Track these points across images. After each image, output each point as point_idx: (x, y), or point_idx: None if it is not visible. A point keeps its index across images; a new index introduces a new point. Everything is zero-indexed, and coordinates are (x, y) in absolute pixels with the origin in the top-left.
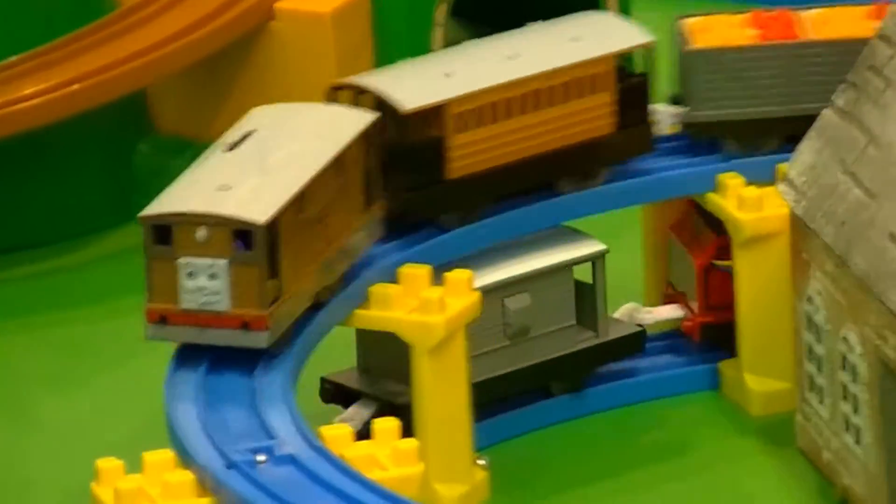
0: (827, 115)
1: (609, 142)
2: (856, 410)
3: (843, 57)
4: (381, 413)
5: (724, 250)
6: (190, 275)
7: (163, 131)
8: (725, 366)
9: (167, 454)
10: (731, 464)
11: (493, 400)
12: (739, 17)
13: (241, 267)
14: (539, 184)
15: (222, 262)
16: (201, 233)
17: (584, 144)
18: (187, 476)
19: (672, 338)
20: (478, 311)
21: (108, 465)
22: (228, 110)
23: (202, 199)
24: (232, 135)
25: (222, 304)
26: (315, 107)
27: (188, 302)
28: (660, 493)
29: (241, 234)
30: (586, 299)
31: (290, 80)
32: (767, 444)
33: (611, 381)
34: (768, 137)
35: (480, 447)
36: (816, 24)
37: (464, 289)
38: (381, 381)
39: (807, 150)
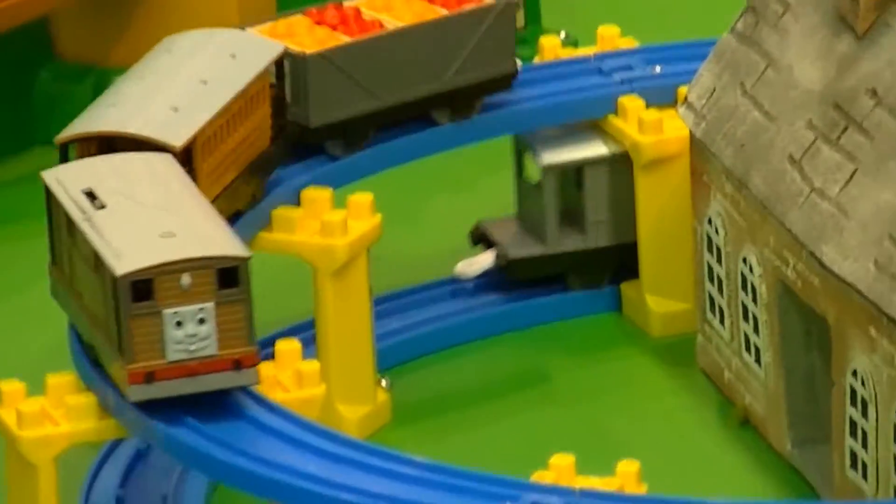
0: (726, 39)
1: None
2: (756, 331)
3: (431, 36)
4: (498, 265)
5: None
6: (178, 324)
7: (64, 58)
8: (627, 287)
9: (70, 377)
10: (632, 384)
11: None
12: (297, 18)
13: (227, 307)
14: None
15: (210, 306)
16: (186, 280)
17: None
18: (90, 398)
19: None
20: (379, 235)
21: (10, 387)
22: (130, 36)
23: (174, 241)
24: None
25: (212, 347)
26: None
27: (176, 353)
28: (560, 413)
29: (225, 272)
30: None
31: (192, 4)
32: (668, 364)
33: (514, 303)
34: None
35: (383, 368)
36: (380, 12)
37: (366, 212)
38: (519, 234)
39: (707, 73)
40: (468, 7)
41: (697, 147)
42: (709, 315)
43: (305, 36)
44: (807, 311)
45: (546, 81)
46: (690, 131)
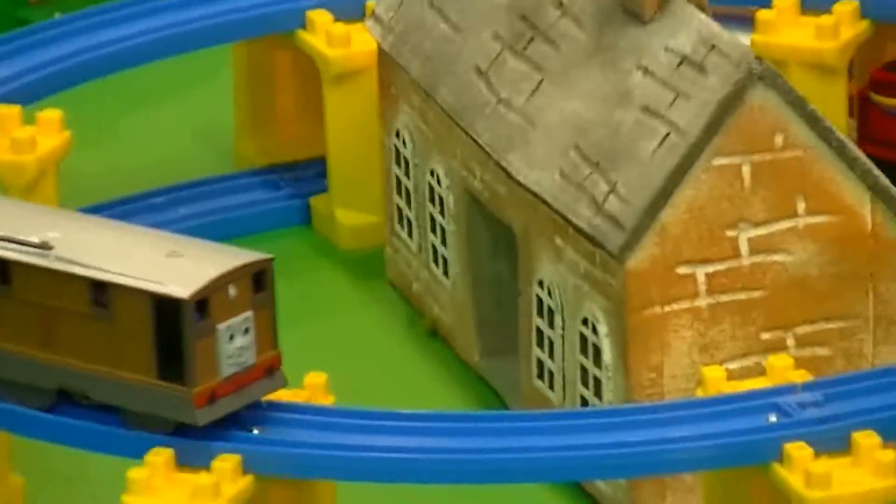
0: None
1: None
2: (444, 242)
3: None
4: None
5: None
6: (231, 338)
7: None
8: (316, 201)
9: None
10: (321, 297)
11: None
12: None
13: (261, 312)
14: None
15: (250, 314)
16: (233, 291)
17: None
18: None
19: (263, 174)
20: (69, 150)
21: None
22: None
23: (196, 258)
24: None
25: (251, 356)
26: None
27: (229, 368)
28: None
29: (257, 276)
30: None
31: None
32: (357, 277)
33: (202, 218)
34: None
35: None
36: None
37: (55, 128)
38: None
39: None
40: None
41: (385, 60)
42: (397, 227)
43: None
44: (494, 222)
45: None
46: (378, 44)
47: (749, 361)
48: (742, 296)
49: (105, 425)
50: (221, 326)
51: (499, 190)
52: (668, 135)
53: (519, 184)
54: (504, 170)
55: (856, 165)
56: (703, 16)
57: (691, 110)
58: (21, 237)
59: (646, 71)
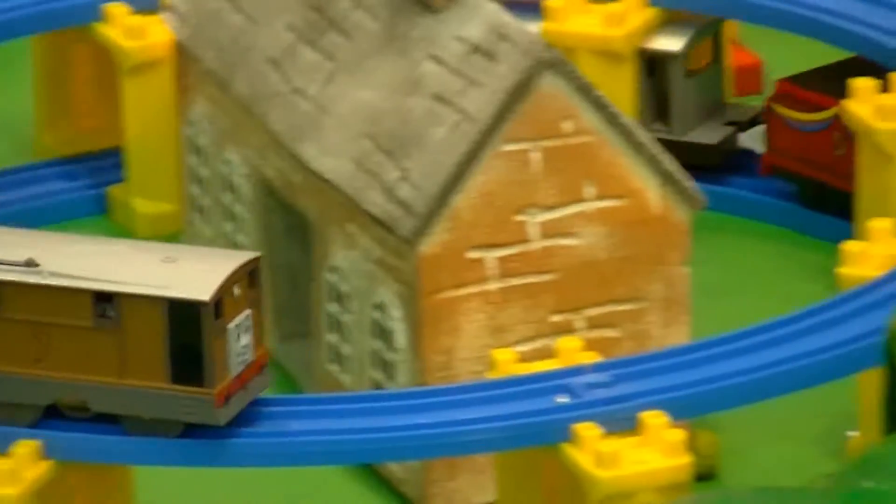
0: None
1: None
2: (239, 229)
3: None
4: None
5: None
6: (238, 337)
7: None
8: (114, 190)
9: None
10: None
11: None
12: None
13: (255, 309)
14: None
15: (249, 312)
16: (237, 290)
17: None
18: None
19: (62, 164)
20: None
21: None
22: None
23: (193, 260)
24: None
25: (251, 353)
26: None
27: (237, 366)
28: None
29: (251, 275)
30: None
31: None
32: None
33: (1, 209)
34: None
35: None
36: None
37: None
38: None
39: None
40: None
41: (182, 51)
42: (193, 215)
43: None
44: (289, 209)
45: None
46: (174, 36)
47: (539, 344)
48: (532, 279)
49: None
50: (231, 326)
51: (293, 178)
52: (458, 122)
53: (312, 172)
54: (298, 158)
55: (643, 150)
56: (493, 5)
57: (481, 98)
58: (7, 257)
59: (437, 60)
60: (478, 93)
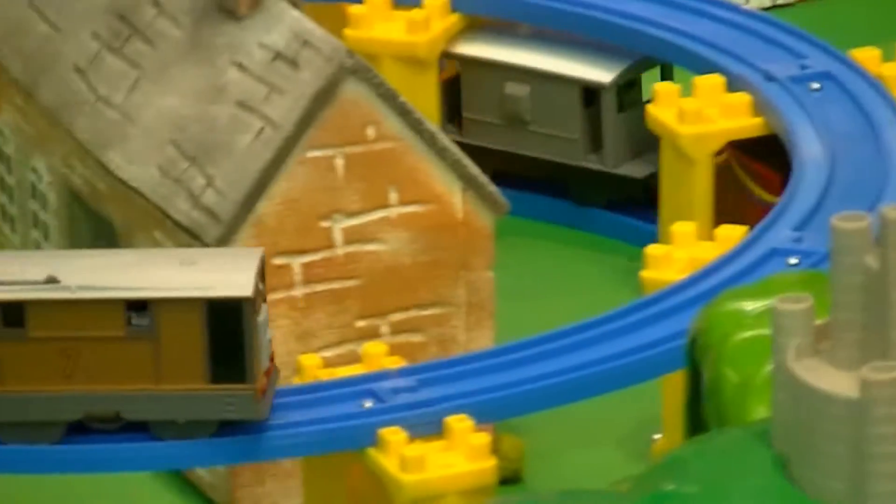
0: None
1: None
2: (46, 237)
3: None
4: None
5: None
6: (265, 331)
7: None
8: None
9: None
10: None
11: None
12: None
13: (266, 304)
14: None
15: (266, 306)
16: (261, 286)
17: None
18: None
19: None
20: None
21: None
22: None
23: (215, 259)
24: None
25: (270, 346)
26: None
27: (265, 360)
28: None
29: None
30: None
31: None
32: None
33: None
34: None
35: None
36: None
37: None
38: None
39: None
40: None
41: None
42: (3, 224)
43: None
44: (95, 217)
45: None
46: None
47: (345, 349)
48: (337, 285)
49: None
50: (261, 321)
51: (99, 186)
52: (262, 129)
53: (118, 179)
54: (103, 166)
55: (446, 155)
56: (296, 12)
57: (285, 104)
58: (25, 277)
59: (241, 67)
60: (281, 100)
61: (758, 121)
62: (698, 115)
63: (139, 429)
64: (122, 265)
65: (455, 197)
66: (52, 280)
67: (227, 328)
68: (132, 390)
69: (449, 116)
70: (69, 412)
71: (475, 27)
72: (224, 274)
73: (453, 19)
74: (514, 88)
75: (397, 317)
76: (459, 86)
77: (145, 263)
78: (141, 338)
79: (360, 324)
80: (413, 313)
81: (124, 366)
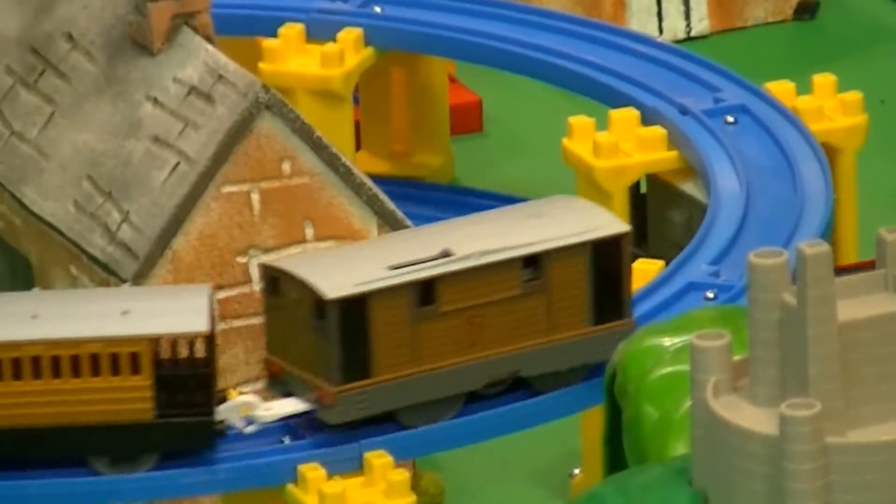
0: None
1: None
2: None
3: None
4: None
5: None
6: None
7: None
8: None
9: None
10: None
11: None
12: None
13: None
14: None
15: None
16: None
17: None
18: None
19: None
20: None
21: None
22: None
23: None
24: None
25: None
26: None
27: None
28: None
29: None
30: None
31: None
32: None
33: None
34: None
35: None
36: None
37: None
38: None
39: None
40: None
41: None
42: None
43: None
44: (12, 252)
45: None
46: None
47: (262, 385)
48: (254, 321)
49: None
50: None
51: (14, 221)
52: (178, 164)
53: (33, 214)
54: (19, 201)
55: (362, 191)
56: (210, 47)
57: (200, 139)
58: (417, 257)
59: (155, 102)
60: (197, 135)
61: (673, 154)
62: (613, 148)
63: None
64: (493, 229)
65: (371, 232)
66: (447, 253)
67: (607, 267)
68: (530, 347)
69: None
70: (473, 381)
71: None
72: (592, 217)
73: (367, 53)
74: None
75: None
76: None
77: (502, 221)
78: (534, 292)
79: None
80: None
81: (522, 324)
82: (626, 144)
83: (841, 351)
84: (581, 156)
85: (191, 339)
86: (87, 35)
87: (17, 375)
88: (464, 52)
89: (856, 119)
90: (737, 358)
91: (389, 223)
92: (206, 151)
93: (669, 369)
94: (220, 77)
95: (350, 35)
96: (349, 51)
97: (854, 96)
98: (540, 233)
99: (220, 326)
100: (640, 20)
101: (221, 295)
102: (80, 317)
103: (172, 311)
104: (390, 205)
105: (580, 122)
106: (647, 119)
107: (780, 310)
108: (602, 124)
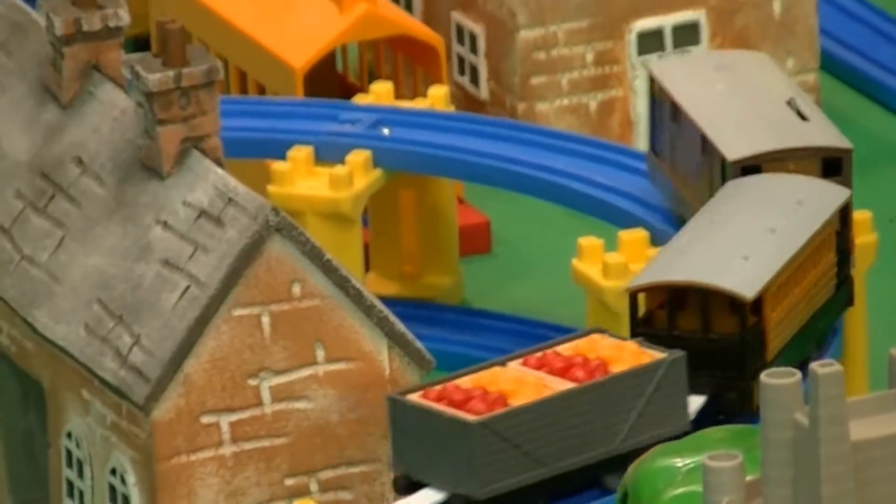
0: None
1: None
2: None
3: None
4: None
5: None
6: None
7: None
8: None
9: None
10: None
11: None
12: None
13: None
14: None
15: None
16: None
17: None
18: None
19: None
20: None
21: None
22: None
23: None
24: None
25: None
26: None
27: None
28: None
29: None
30: None
31: None
32: None
33: None
34: None
35: None
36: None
37: None
38: None
39: None
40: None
41: None
42: None
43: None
44: (23, 376)
45: None
46: None
47: None
48: (266, 443)
49: None
50: None
51: (26, 345)
52: (188, 287)
53: (45, 338)
54: (30, 325)
55: (372, 313)
56: (219, 170)
57: (210, 263)
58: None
59: (165, 225)
60: (207, 258)
61: None
62: (623, 269)
63: None
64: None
65: (381, 354)
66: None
67: None
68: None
69: None
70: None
71: None
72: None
73: (376, 175)
74: None
75: (326, 474)
76: None
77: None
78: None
79: (290, 482)
80: (342, 471)
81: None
82: (635, 265)
83: (854, 470)
84: (590, 276)
85: None
86: (97, 159)
87: None
88: (471, 173)
89: (866, 238)
90: (749, 478)
91: (400, 345)
92: (216, 275)
93: (682, 490)
94: (230, 200)
95: (359, 157)
96: (358, 173)
97: (863, 215)
98: None
99: (232, 449)
100: (648, 140)
101: (233, 418)
102: None
103: None
104: (401, 326)
105: (589, 242)
106: (657, 240)
107: (793, 430)
108: (611, 245)
